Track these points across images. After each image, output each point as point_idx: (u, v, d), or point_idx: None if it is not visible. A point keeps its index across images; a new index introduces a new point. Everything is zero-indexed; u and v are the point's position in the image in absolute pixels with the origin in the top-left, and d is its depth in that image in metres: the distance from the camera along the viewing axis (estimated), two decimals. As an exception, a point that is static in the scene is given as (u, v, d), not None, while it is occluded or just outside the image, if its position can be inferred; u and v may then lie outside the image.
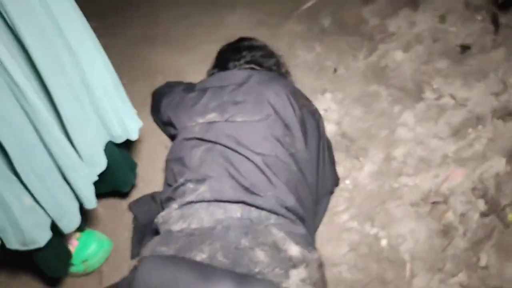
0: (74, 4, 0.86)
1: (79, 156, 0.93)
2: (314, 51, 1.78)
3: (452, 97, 1.42)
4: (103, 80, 0.93)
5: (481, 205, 1.19)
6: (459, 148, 1.31)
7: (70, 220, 0.94)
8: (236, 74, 1.25)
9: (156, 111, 1.47)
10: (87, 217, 1.24)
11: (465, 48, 1.55)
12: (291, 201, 1.03)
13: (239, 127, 1.11)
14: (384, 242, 1.19)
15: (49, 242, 0.93)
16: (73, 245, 1.15)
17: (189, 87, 1.34)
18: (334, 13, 1.94)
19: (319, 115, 1.29)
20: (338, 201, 1.31)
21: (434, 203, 1.22)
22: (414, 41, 1.68)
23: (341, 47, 1.78)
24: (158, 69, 1.77)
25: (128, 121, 1.06)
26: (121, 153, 1.15)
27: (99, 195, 1.07)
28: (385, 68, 1.63)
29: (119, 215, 1.31)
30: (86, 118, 0.93)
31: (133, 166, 1.28)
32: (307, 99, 1.29)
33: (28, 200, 0.82)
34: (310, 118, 1.23)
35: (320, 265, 1.01)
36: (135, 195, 1.35)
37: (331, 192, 1.30)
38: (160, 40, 1.90)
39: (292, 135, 1.14)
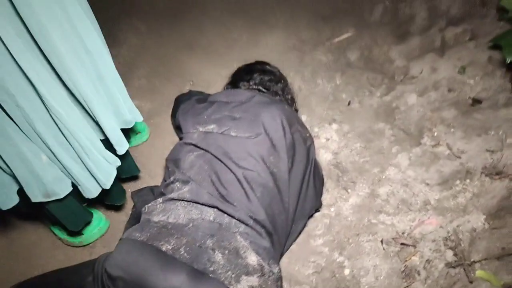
0: (87, 11, 1.03)
1: (106, 139, 1.10)
2: (334, 82, 1.87)
3: (449, 147, 1.45)
4: (113, 74, 1.10)
5: (450, 255, 1.22)
6: (442, 198, 1.35)
7: (85, 189, 1.12)
8: (241, 93, 1.37)
9: (173, 115, 1.64)
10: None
11: (476, 102, 1.57)
12: (261, 215, 1.13)
13: (229, 141, 1.23)
14: (347, 272, 1.26)
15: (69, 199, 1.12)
16: (75, 217, 1.34)
17: (203, 98, 1.49)
18: (364, 48, 2.02)
19: (311, 143, 1.37)
20: (317, 225, 1.40)
21: (403, 244, 1.27)
22: (431, 87, 1.72)
23: (361, 82, 1.86)
24: (190, 76, 1.94)
25: (132, 108, 1.22)
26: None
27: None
28: (395, 109, 1.69)
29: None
30: (106, 107, 1.10)
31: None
32: (302, 125, 1.38)
33: (45, 157, 1.01)
34: (301, 144, 1.32)
35: (278, 279, 1.10)
36: (141, 186, 1.52)
37: (310, 215, 1.37)
38: (200, 49, 2.09)
39: (277, 156, 1.23)
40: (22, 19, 0.83)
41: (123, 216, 1.44)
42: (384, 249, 1.28)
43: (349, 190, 1.46)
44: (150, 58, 2.00)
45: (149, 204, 1.18)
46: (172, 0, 2.33)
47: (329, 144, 1.60)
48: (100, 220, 1.37)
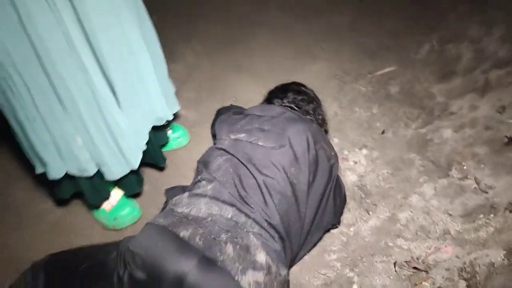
0: (141, 20, 1.21)
1: (129, 126, 1.27)
2: (370, 111, 1.93)
3: (477, 181, 1.44)
4: (151, 76, 1.28)
5: (462, 286, 1.20)
6: (463, 230, 1.33)
7: (109, 171, 1.28)
8: (274, 109, 1.48)
9: (212, 124, 1.78)
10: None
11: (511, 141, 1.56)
12: (276, 220, 1.20)
13: (256, 149, 1.33)
14: (355, 287, 1.27)
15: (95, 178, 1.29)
16: (112, 204, 1.49)
17: (240, 111, 1.62)
18: (405, 83, 2.07)
19: (335, 162, 1.43)
20: (334, 241, 1.43)
21: (415, 268, 1.27)
22: (468, 124, 1.72)
23: (398, 114, 1.90)
24: (233, 93, 2.10)
25: (164, 108, 1.38)
26: (156, 136, 1.48)
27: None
28: (429, 141, 1.70)
29: (156, 196, 1.62)
30: (138, 99, 1.27)
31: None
32: (328, 144, 1.45)
33: (80, 140, 1.18)
34: (325, 161, 1.38)
35: (285, 282, 1.15)
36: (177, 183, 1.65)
37: (327, 229, 1.42)
38: (246, 72, 2.25)
39: (298, 168, 1.31)
40: (80, 20, 1.03)
41: (156, 210, 1.56)
42: (396, 271, 1.28)
43: (370, 212, 1.49)
44: (201, 75, 2.19)
45: (177, 197, 1.29)
46: (228, 28, 2.55)
47: (356, 167, 1.64)
48: (134, 209, 1.51)
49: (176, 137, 1.77)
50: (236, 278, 1.02)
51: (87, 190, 1.35)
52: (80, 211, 1.57)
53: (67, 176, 1.27)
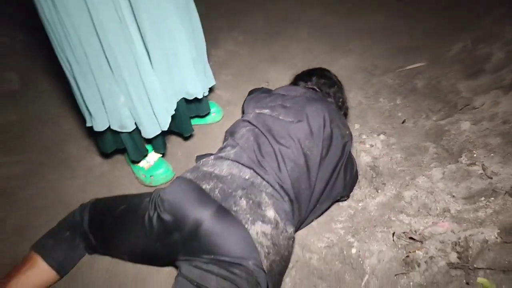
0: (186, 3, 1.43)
1: (161, 93, 1.48)
2: (394, 102, 2.03)
3: (483, 167, 1.51)
4: (186, 55, 1.49)
5: (454, 257, 1.29)
6: (463, 210, 1.41)
7: (144, 129, 1.50)
8: (297, 89, 1.64)
9: (243, 103, 1.96)
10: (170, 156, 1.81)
11: (526, 134, 1.60)
12: (287, 184, 1.35)
13: (275, 122, 1.49)
14: (354, 251, 1.40)
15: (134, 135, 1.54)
16: (150, 164, 1.72)
17: (268, 91, 1.79)
18: (432, 78, 2.14)
19: (348, 140, 1.54)
20: (342, 213, 1.56)
21: (411, 239, 1.37)
22: (487, 118, 1.77)
23: (421, 106, 1.99)
24: (267, 78, 2.28)
25: (196, 85, 1.59)
26: (187, 108, 1.68)
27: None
28: (446, 132, 1.78)
29: (188, 161, 1.83)
30: (170, 72, 1.48)
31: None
32: (344, 124, 1.57)
33: (123, 98, 1.41)
34: (339, 139, 1.51)
35: (290, 238, 1.30)
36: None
37: (335, 200, 1.54)
38: (282, 61, 2.42)
39: (313, 141, 1.45)
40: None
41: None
42: (393, 240, 1.39)
43: (379, 190, 1.60)
44: (239, 62, 2.39)
45: (204, 159, 1.48)
46: (270, 22, 2.73)
47: (372, 149, 1.76)
48: (168, 170, 1.73)
49: (210, 113, 1.97)
50: (246, 227, 1.19)
51: (128, 145, 1.58)
52: (123, 169, 1.82)
53: (110, 132, 1.50)
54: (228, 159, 1.42)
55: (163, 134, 1.66)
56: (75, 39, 1.24)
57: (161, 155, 1.76)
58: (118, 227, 1.35)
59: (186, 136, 1.82)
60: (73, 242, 1.40)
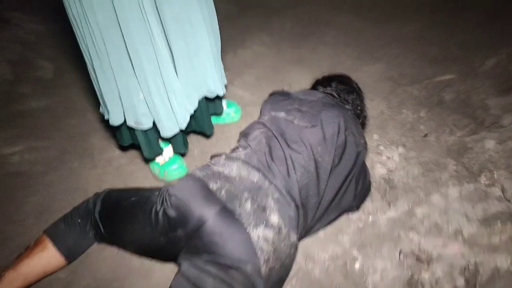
0: (205, 8, 1.44)
1: (182, 91, 1.50)
2: (418, 114, 1.97)
3: (502, 189, 1.44)
4: (207, 53, 1.50)
5: (461, 282, 1.24)
6: (477, 233, 1.36)
7: (163, 127, 1.53)
8: (315, 94, 1.62)
9: (262, 104, 1.96)
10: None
11: (553, 159, 1.52)
12: (295, 190, 1.34)
13: (289, 125, 1.48)
14: (357, 265, 1.37)
15: (150, 133, 1.56)
16: (165, 159, 1.75)
17: (286, 93, 1.78)
18: (462, 92, 2.06)
19: (363, 149, 1.51)
20: (350, 225, 1.53)
21: (418, 259, 1.33)
22: (515, 138, 1.69)
23: (445, 121, 1.92)
24: (289, 81, 2.27)
25: (216, 83, 1.60)
26: (208, 107, 1.69)
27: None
28: (469, 149, 1.71)
29: (203, 159, 1.86)
30: (192, 70, 1.49)
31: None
32: (359, 133, 1.54)
33: (142, 95, 1.44)
34: (353, 147, 1.48)
35: (293, 246, 1.30)
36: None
37: (345, 210, 1.51)
38: (307, 65, 2.40)
39: (325, 148, 1.43)
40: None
41: (199, 170, 1.80)
42: (400, 259, 1.36)
43: (391, 205, 1.56)
44: (264, 63, 2.39)
45: (216, 158, 1.50)
46: (299, 25, 2.71)
47: (388, 162, 1.71)
48: (181, 166, 1.75)
49: (229, 112, 1.98)
50: (247, 230, 1.19)
51: (142, 143, 1.61)
52: (139, 163, 1.86)
53: (126, 127, 1.54)
54: (239, 159, 1.42)
55: (184, 133, 1.68)
56: (98, 34, 1.28)
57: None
58: (126, 217, 1.38)
59: (208, 135, 1.84)
60: (84, 229, 1.45)
